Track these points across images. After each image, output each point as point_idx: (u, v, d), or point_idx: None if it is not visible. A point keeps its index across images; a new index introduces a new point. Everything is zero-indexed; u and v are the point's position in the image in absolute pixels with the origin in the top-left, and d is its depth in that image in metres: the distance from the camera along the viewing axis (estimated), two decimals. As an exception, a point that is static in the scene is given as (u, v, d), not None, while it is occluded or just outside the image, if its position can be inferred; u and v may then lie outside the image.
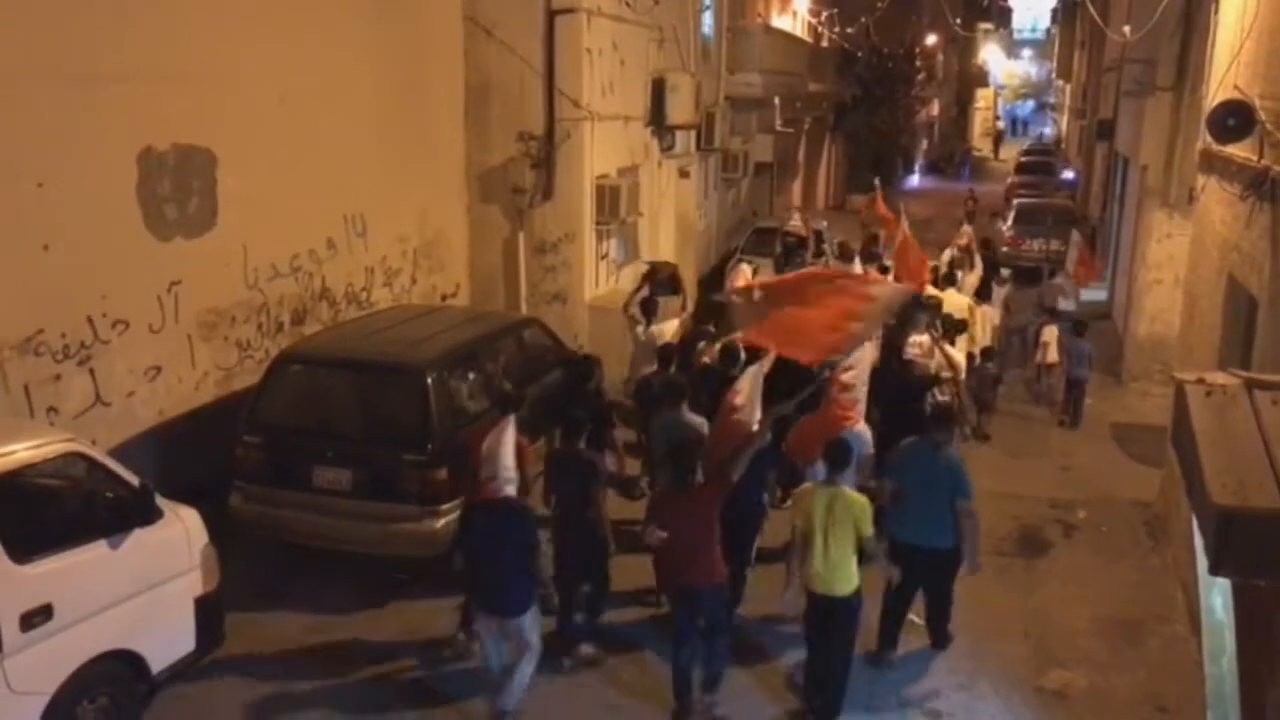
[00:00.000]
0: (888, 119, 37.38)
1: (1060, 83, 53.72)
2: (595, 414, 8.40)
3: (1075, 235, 19.02)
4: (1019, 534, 10.03)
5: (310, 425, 8.63)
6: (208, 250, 9.30)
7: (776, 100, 24.95)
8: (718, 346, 9.97)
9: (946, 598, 7.85)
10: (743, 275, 15.40)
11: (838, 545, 6.73)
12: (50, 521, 6.00)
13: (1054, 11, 62.01)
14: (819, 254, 18.56)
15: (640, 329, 11.29)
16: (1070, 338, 13.67)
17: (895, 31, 36.21)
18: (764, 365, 8.13)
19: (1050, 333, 13.95)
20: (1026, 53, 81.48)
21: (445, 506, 8.21)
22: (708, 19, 19.91)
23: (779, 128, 26.11)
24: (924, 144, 51.64)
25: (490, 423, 7.47)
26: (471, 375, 9.13)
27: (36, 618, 5.63)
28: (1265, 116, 7.83)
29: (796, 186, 32.35)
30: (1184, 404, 4.89)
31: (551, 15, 13.01)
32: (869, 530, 6.79)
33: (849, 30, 31.84)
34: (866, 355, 8.92)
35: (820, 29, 32.06)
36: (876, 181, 19.68)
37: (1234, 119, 8.17)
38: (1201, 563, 4.42)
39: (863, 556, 6.92)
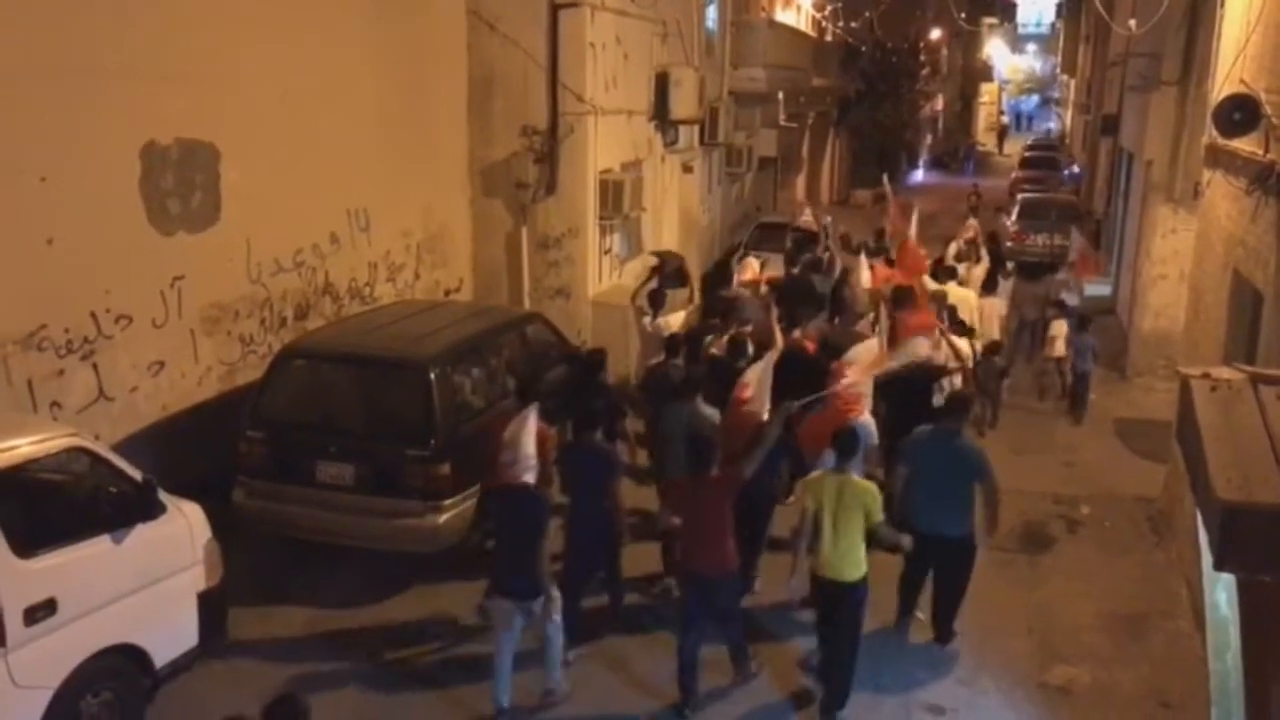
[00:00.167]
0: (892, 114, 37.32)
1: (1065, 77, 53.51)
2: (606, 405, 8.52)
3: (1075, 233, 19.01)
4: (1023, 530, 10.01)
5: (313, 420, 8.64)
6: (211, 245, 9.29)
7: (780, 95, 24.91)
8: (725, 339, 10.07)
9: (959, 591, 7.89)
10: (750, 268, 15.46)
11: (847, 532, 6.84)
12: (53, 516, 5.99)
13: (1058, 6, 61.77)
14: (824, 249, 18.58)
15: (647, 320, 11.36)
16: (1074, 332, 13.70)
17: (899, 26, 36.13)
18: (772, 357, 8.26)
19: (1059, 327, 13.97)
20: (1031, 47, 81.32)
21: (448, 502, 8.23)
22: (712, 13, 19.88)
23: (783, 123, 26.08)
24: (928, 139, 51.56)
25: (505, 412, 7.66)
26: (475, 370, 9.13)
27: (40, 612, 5.63)
28: (1271, 111, 7.81)
29: (800, 182, 32.32)
30: (1189, 399, 4.88)
31: (555, 9, 12.98)
32: (879, 517, 6.88)
33: (853, 25, 31.75)
34: (869, 348, 8.97)
35: (824, 23, 32.01)
36: (885, 177, 19.68)
37: (1239, 113, 8.16)
38: (1206, 558, 4.41)
39: (871, 542, 6.99)
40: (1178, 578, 8.97)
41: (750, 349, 9.71)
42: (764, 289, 13.45)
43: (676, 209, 18.33)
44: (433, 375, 8.38)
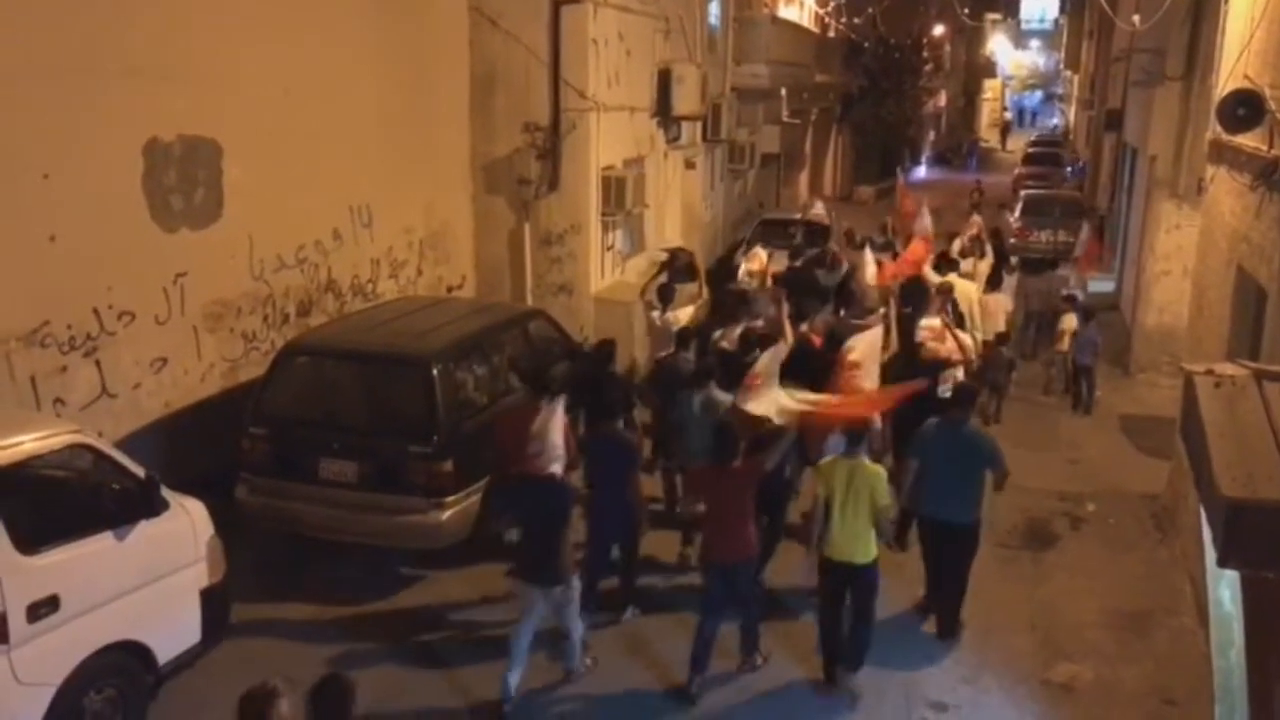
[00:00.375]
0: (895, 110, 37.25)
1: (1068, 73, 53.43)
2: (623, 395, 8.79)
3: (1085, 227, 19.03)
4: (1026, 527, 10.00)
5: (316, 417, 8.65)
6: (213, 241, 9.29)
7: (783, 91, 24.90)
8: (737, 333, 10.25)
9: (962, 580, 7.97)
10: (758, 258, 15.52)
11: (858, 515, 6.99)
12: (56, 513, 6.00)
13: (1062, 1, 61.66)
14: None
15: (656, 314, 11.46)
16: (1079, 325, 13.77)
17: (902, 22, 36.04)
18: (781, 350, 8.47)
19: (1069, 321, 14.01)
20: (1034, 43, 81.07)
21: (451, 498, 8.23)
22: (714, 9, 19.85)
23: (785, 119, 26.06)
24: (931, 135, 51.50)
25: (518, 406, 8.11)
26: (477, 367, 9.13)
27: (43, 609, 5.64)
28: (1275, 106, 7.78)
29: (803, 178, 32.27)
30: (1193, 395, 4.87)
31: (557, 5, 12.97)
32: (885, 500, 7.06)
33: (856, 21, 31.70)
34: (872, 337, 9.06)
35: (827, 19, 31.95)
36: (899, 171, 19.73)
37: (1244, 108, 8.14)
38: (1210, 555, 4.40)
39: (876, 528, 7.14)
40: (1181, 574, 8.95)
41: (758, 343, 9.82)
42: (769, 282, 13.54)
43: (679, 205, 18.32)
44: (435, 372, 8.38)
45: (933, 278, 12.96)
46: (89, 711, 5.99)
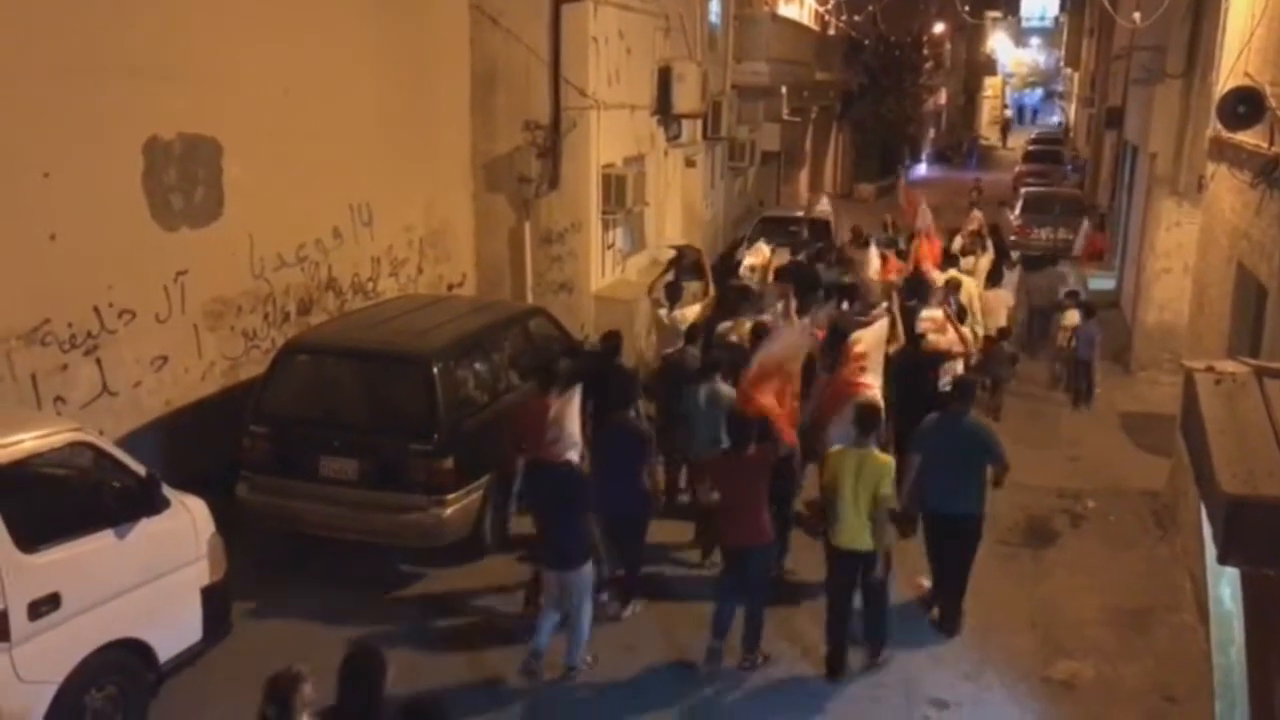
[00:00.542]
0: (895, 108, 37.19)
1: (1069, 71, 53.40)
2: (633, 385, 9.06)
3: (1086, 223, 19.05)
4: (1026, 524, 10.00)
5: (317, 415, 8.65)
6: (214, 240, 9.29)
7: (783, 89, 24.89)
8: (747, 327, 10.42)
9: (964, 572, 8.02)
10: (760, 253, 15.58)
11: (867, 503, 7.08)
12: (57, 511, 6.00)
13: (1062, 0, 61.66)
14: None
15: (664, 312, 11.53)
16: (1080, 321, 13.81)
17: (903, 19, 36.00)
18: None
19: (1071, 317, 14.05)
20: (1035, 41, 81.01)
21: (451, 496, 8.24)
22: (714, 7, 19.84)
23: (786, 116, 26.05)
24: (931, 133, 51.46)
25: (529, 396, 8.47)
26: (478, 365, 9.13)
27: (44, 607, 5.64)
28: (1276, 103, 7.78)
29: (803, 176, 32.25)
30: (1193, 392, 4.87)
31: (558, 3, 12.97)
32: (888, 489, 7.14)
33: (856, 18, 31.67)
34: (878, 330, 9.21)
35: (827, 17, 31.93)
36: (900, 169, 19.79)
37: (1244, 106, 8.14)
38: (1210, 552, 4.41)
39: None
40: (1182, 572, 8.95)
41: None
42: (771, 277, 13.64)
43: (679, 203, 18.32)
44: (436, 370, 8.39)
45: (935, 275, 13.01)
46: (90, 709, 5.99)
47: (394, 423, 8.43)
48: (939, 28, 44.98)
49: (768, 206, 25.03)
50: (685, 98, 16.20)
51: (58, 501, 6.10)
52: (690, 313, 11.37)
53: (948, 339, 10.55)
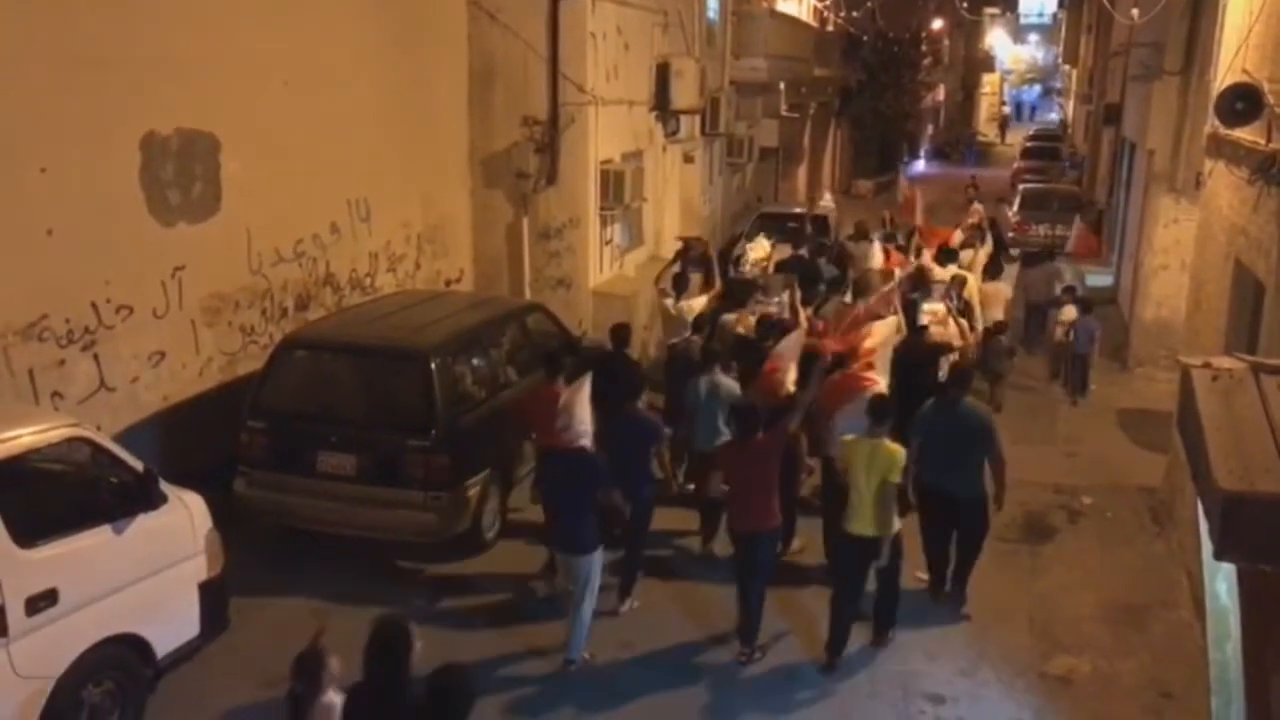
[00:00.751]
0: (893, 104, 37.17)
1: (1067, 68, 53.35)
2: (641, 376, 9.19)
3: (1077, 220, 19.07)
4: (1024, 520, 10.00)
5: (314, 410, 8.65)
6: (211, 235, 9.28)
7: (782, 85, 24.85)
8: (753, 318, 10.60)
9: (973, 549, 8.21)
10: (761, 248, 15.63)
11: (877, 490, 7.23)
12: (55, 506, 6.00)
13: (1060, -4, 61.62)
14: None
15: (670, 303, 11.59)
16: (1077, 315, 13.86)
17: (901, 16, 36.02)
18: (800, 335, 9.12)
19: (1068, 312, 14.07)
20: (1033, 37, 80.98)
21: (449, 491, 8.24)
22: (712, 3, 19.80)
23: (784, 113, 26.02)
24: (929, 129, 51.44)
25: (537, 386, 8.56)
26: (476, 361, 9.13)
27: (41, 602, 5.64)
28: (1274, 100, 7.78)
29: (802, 172, 32.23)
30: (1190, 389, 4.87)
31: (555, -1, 12.96)
32: (896, 478, 7.29)
33: (854, 14, 31.68)
34: (889, 324, 9.49)
35: (826, 13, 31.90)
36: (901, 167, 19.85)
37: (1242, 103, 8.14)
38: (1206, 548, 4.41)
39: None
40: (1178, 568, 8.97)
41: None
42: (772, 270, 13.74)
43: (678, 199, 18.30)
44: (434, 365, 8.39)
45: (935, 270, 13.04)
46: (88, 705, 5.99)
47: (391, 418, 8.44)
48: (937, 24, 44.98)
49: (766, 203, 25.03)
50: (683, 93, 16.18)
51: (55, 497, 6.09)
52: (697, 304, 11.45)
53: (949, 331, 10.65)
